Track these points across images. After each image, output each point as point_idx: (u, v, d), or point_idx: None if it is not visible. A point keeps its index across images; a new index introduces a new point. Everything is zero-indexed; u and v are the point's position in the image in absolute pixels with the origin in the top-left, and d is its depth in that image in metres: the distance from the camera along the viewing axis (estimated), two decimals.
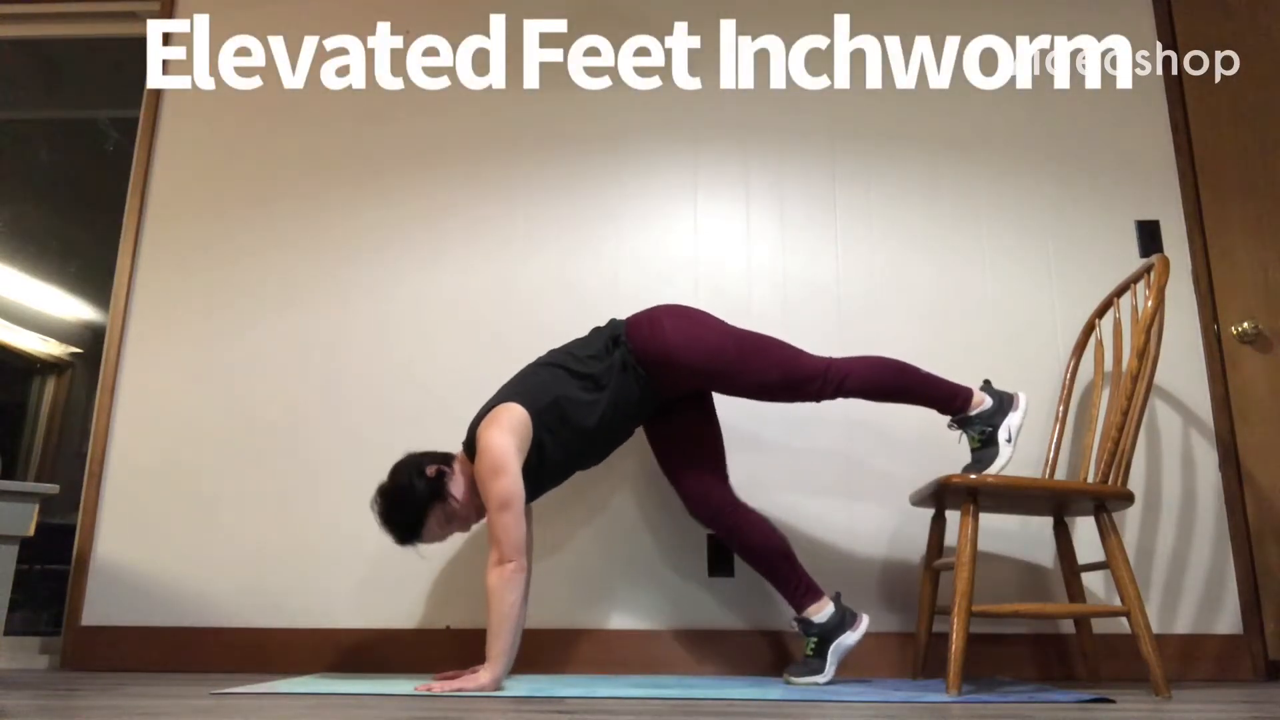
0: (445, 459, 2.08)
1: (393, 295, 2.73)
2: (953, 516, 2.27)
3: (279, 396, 2.67)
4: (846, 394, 2.13)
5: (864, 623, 2.11)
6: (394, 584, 2.50)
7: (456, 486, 2.04)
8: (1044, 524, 2.37)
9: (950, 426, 2.21)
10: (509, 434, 1.97)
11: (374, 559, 2.51)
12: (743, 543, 2.16)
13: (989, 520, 2.41)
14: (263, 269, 2.78)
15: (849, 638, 2.08)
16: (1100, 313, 2.44)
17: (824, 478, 2.52)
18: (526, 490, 1.98)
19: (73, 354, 3.31)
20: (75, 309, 3.35)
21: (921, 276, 2.66)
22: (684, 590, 2.47)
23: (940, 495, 2.10)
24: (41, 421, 3.25)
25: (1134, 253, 2.61)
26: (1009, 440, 2.09)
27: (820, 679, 2.05)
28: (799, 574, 2.13)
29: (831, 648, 2.07)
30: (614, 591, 2.49)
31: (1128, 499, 2.02)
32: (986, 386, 2.17)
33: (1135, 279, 2.23)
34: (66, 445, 3.20)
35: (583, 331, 2.22)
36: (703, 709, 1.60)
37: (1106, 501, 2.00)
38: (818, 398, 2.13)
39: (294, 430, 2.63)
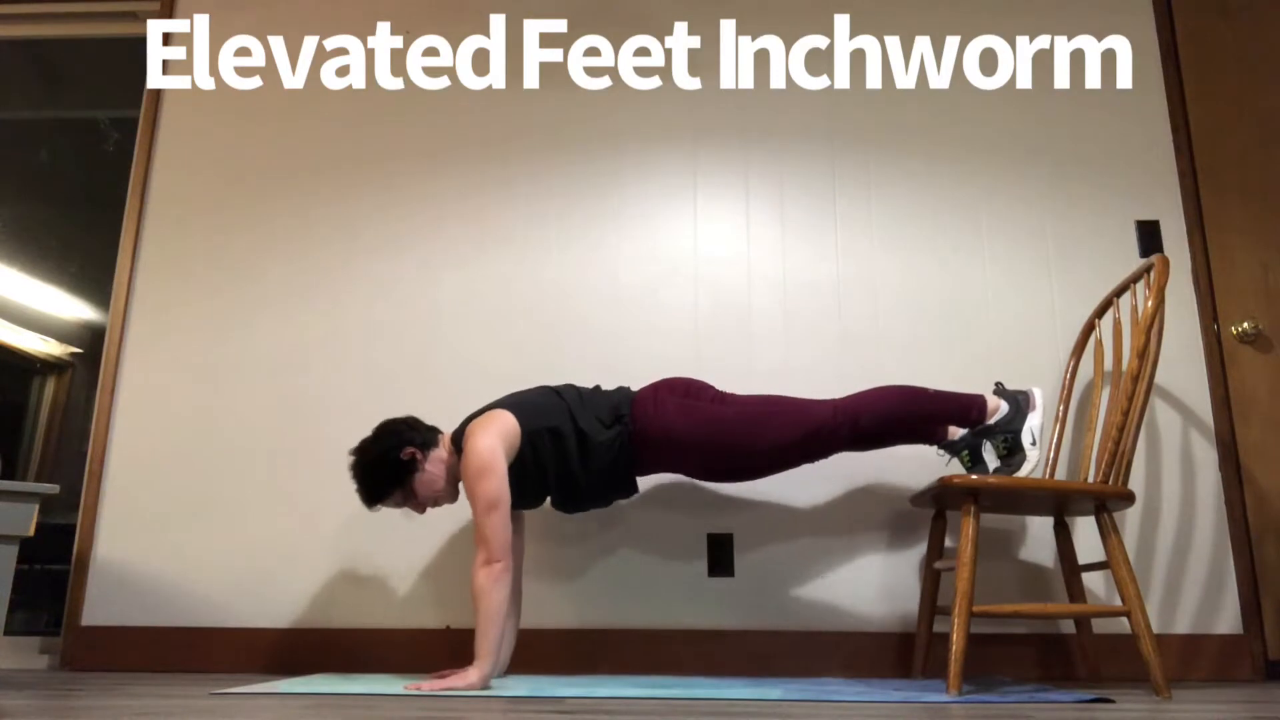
0: (430, 437, 2.08)
1: (392, 295, 2.73)
2: (953, 516, 2.27)
3: (279, 396, 2.67)
4: (863, 432, 2.07)
5: (1038, 395, 2.08)
6: (394, 584, 2.51)
7: (424, 476, 2.05)
8: (1044, 524, 2.37)
9: (938, 453, 2.18)
10: (497, 438, 1.98)
11: (374, 560, 2.52)
12: (877, 430, 2.09)
13: (989, 520, 2.41)
14: (262, 269, 2.78)
15: (1034, 418, 2.05)
16: (1100, 313, 2.44)
17: (824, 478, 2.51)
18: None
19: (73, 354, 3.31)
20: (75, 309, 3.35)
21: (921, 276, 2.66)
22: (684, 590, 2.47)
23: (941, 495, 2.10)
24: (41, 421, 3.24)
25: (1134, 253, 2.61)
26: (1033, 444, 2.06)
27: (1032, 462, 2.03)
28: (945, 396, 2.09)
29: (1024, 435, 2.04)
30: (614, 591, 2.48)
31: (1129, 499, 2.02)
32: (999, 389, 2.15)
33: (1135, 279, 2.23)
34: (66, 445, 3.20)
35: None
36: (703, 709, 1.60)
37: (1107, 501, 2.00)
38: (833, 442, 2.08)
39: (294, 430, 2.63)
